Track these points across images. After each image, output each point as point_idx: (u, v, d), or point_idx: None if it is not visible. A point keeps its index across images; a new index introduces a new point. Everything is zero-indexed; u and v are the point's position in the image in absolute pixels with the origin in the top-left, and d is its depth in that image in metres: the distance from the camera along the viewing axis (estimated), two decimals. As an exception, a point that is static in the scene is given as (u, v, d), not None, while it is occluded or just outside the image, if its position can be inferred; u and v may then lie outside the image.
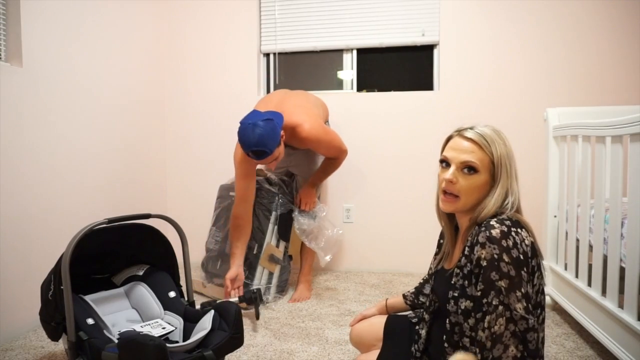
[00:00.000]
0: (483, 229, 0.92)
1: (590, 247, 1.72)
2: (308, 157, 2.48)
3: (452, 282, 0.99)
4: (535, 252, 0.93)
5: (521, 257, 0.89)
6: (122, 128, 2.62)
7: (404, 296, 1.36)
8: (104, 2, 2.44)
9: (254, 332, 1.93)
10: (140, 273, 1.70)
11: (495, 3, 2.73)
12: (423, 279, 1.34)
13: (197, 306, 1.61)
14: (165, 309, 1.61)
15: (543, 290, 0.96)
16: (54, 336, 1.45)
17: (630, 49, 2.62)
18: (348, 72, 3.02)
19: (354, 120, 2.90)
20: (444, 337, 1.00)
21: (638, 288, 1.34)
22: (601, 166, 1.62)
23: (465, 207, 1.00)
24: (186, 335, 1.49)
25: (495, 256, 0.88)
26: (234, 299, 2.03)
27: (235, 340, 1.34)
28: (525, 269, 0.89)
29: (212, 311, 1.43)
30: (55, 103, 2.10)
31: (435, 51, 2.89)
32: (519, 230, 0.92)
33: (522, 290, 0.88)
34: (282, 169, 2.56)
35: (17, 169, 1.90)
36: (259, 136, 1.92)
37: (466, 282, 0.95)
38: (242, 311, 1.72)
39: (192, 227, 3.06)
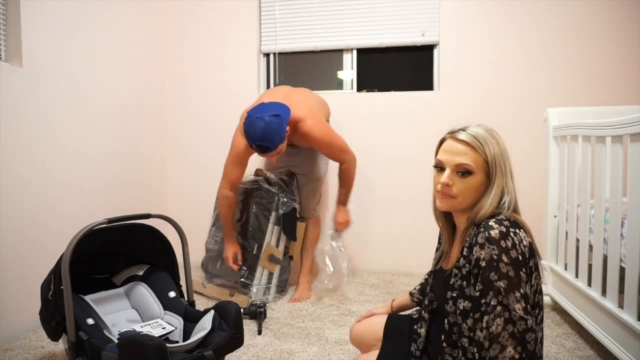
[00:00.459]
0: (482, 229, 0.92)
1: (590, 247, 1.72)
2: (309, 157, 2.47)
3: (451, 282, 0.99)
4: (533, 253, 0.93)
5: (520, 257, 0.89)
6: (122, 128, 2.62)
7: (411, 293, 1.36)
8: (104, 2, 2.44)
9: (254, 332, 1.94)
10: (140, 273, 1.70)
11: (495, 3, 2.73)
12: (427, 274, 1.34)
13: (197, 306, 1.61)
14: (165, 309, 1.61)
15: (541, 290, 0.96)
16: (54, 336, 1.45)
17: (630, 49, 2.62)
18: (348, 72, 3.02)
19: (354, 120, 2.89)
20: (442, 337, 1.00)
21: (638, 288, 1.34)
22: (601, 166, 1.62)
23: (461, 205, 1.00)
24: (186, 335, 1.49)
25: (495, 257, 0.88)
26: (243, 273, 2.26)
27: (235, 340, 1.34)
28: (524, 270, 0.89)
29: (212, 311, 1.43)
30: (55, 103, 2.10)
31: (435, 51, 2.89)
32: (517, 230, 0.92)
33: (521, 290, 0.88)
34: (283, 168, 2.56)
35: (17, 169, 1.90)
36: (265, 132, 1.94)
37: (464, 282, 0.95)
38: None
39: (192, 227, 3.05)
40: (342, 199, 2.41)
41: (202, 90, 3.06)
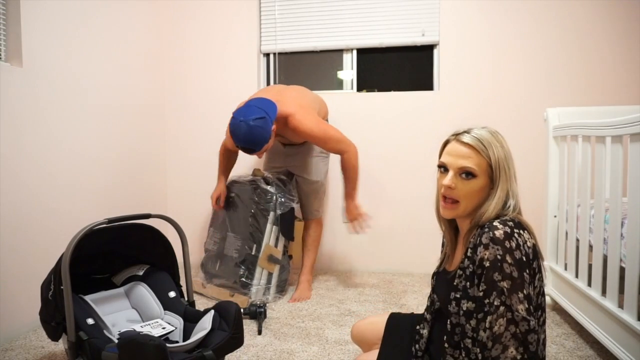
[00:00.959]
0: (486, 229, 0.92)
1: (590, 247, 1.72)
2: (307, 159, 2.47)
3: (455, 283, 0.99)
4: (536, 254, 0.93)
5: (524, 258, 0.89)
6: (122, 128, 2.62)
7: None
8: (104, 2, 2.44)
9: (254, 332, 1.94)
10: (140, 273, 1.70)
11: (495, 3, 2.73)
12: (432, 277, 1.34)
13: (197, 306, 1.61)
14: (165, 309, 1.61)
15: (543, 292, 0.96)
16: (54, 336, 1.45)
17: (630, 49, 2.62)
18: (348, 72, 3.02)
19: (354, 120, 2.89)
20: (444, 337, 1.00)
21: (638, 288, 1.34)
22: (601, 166, 1.62)
23: (465, 211, 1.00)
24: (186, 335, 1.49)
25: (499, 257, 0.88)
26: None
27: (235, 340, 1.34)
28: (527, 271, 0.89)
29: (212, 311, 1.43)
30: (55, 103, 2.10)
31: (435, 51, 2.89)
32: (521, 231, 0.92)
33: (524, 291, 0.88)
34: (281, 168, 2.56)
35: (17, 169, 1.90)
36: (249, 136, 2.00)
37: (468, 283, 0.95)
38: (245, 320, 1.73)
39: (192, 227, 3.06)
40: (349, 192, 2.36)
41: (202, 90, 3.06)
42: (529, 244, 0.92)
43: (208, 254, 2.52)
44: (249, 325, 1.99)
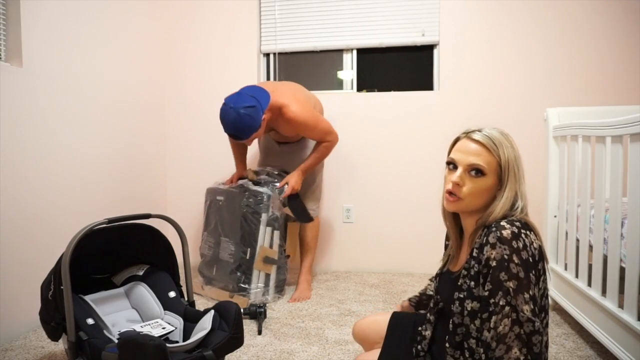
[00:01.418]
0: (493, 229, 0.91)
1: (590, 247, 1.72)
2: (302, 157, 2.47)
3: (459, 283, 0.99)
4: (542, 256, 0.93)
5: (530, 259, 0.89)
6: (122, 128, 2.62)
7: (409, 300, 1.36)
8: (104, 2, 2.44)
9: (254, 332, 1.94)
10: (140, 273, 1.70)
11: (495, 3, 2.73)
12: (430, 279, 1.34)
13: (197, 306, 1.61)
14: (165, 309, 1.61)
15: (547, 294, 0.96)
16: (54, 336, 1.45)
17: (630, 49, 2.62)
18: (348, 72, 3.02)
19: (354, 120, 2.90)
20: (446, 337, 1.00)
21: (638, 288, 1.34)
22: (601, 166, 1.62)
23: (468, 208, 1.00)
24: (186, 335, 1.49)
25: (505, 257, 0.88)
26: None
27: (235, 340, 1.34)
28: (533, 272, 0.89)
29: (212, 311, 1.43)
30: (55, 103, 2.10)
31: (435, 51, 2.89)
32: (528, 232, 0.92)
33: (530, 292, 0.88)
34: (276, 168, 2.56)
35: (17, 169, 1.90)
36: (237, 123, 2.04)
37: (473, 283, 0.95)
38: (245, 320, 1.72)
39: (192, 228, 3.06)
40: (306, 165, 2.36)
41: (202, 90, 3.06)
42: (535, 245, 0.92)
43: (204, 258, 2.50)
44: (249, 325, 1.99)
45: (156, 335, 1.45)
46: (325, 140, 2.33)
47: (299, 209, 2.38)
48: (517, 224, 0.92)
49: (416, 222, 2.86)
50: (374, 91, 2.98)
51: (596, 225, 1.64)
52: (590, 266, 1.71)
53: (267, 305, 2.23)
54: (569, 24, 2.67)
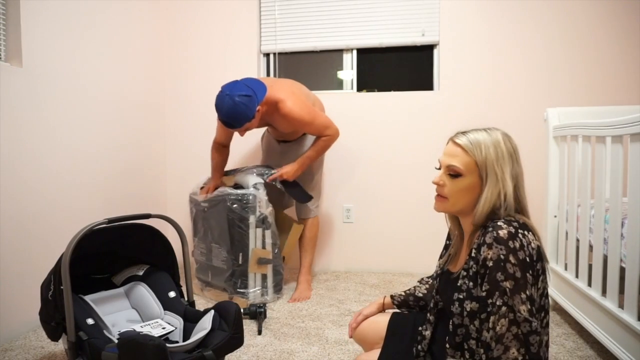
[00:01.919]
0: (490, 229, 0.92)
1: (590, 247, 1.72)
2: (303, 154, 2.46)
3: (459, 284, 0.99)
4: (540, 256, 0.93)
5: (527, 259, 0.89)
6: (122, 128, 2.62)
7: (392, 297, 1.36)
8: (104, 2, 2.44)
9: (254, 332, 1.94)
10: (140, 273, 1.70)
11: (495, 3, 2.73)
12: (419, 281, 1.35)
13: (197, 307, 1.61)
14: (165, 309, 1.61)
15: (547, 294, 0.96)
16: (54, 336, 1.45)
17: (630, 49, 2.62)
18: (348, 72, 3.02)
19: (354, 120, 2.90)
20: (446, 338, 1.00)
21: (638, 288, 1.34)
22: (601, 166, 1.62)
23: (454, 208, 1.02)
24: (186, 335, 1.49)
25: (502, 257, 0.88)
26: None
27: (235, 340, 1.34)
28: (530, 272, 0.89)
29: (212, 311, 1.43)
30: (55, 103, 2.10)
31: (435, 51, 2.89)
32: (525, 232, 0.92)
33: (527, 292, 0.88)
34: (277, 166, 2.56)
35: (17, 169, 1.90)
36: (231, 111, 2.05)
37: (472, 283, 0.95)
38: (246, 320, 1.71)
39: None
40: (304, 158, 2.34)
41: (202, 90, 3.06)
42: (533, 245, 0.92)
43: (199, 264, 2.48)
44: (249, 325, 1.99)
45: (156, 335, 1.45)
46: (325, 135, 2.32)
47: (295, 191, 2.37)
48: (515, 224, 0.93)
49: (416, 222, 2.86)
50: (374, 91, 2.98)
51: (596, 225, 1.64)
52: (590, 266, 1.71)
53: (267, 305, 2.23)
54: (569, 24, 2.67)
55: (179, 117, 3.11)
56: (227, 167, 2.61)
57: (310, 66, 3.09)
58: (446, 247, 1.18)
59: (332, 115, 2.78)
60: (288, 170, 2.31)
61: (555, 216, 2.13)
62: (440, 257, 1.19)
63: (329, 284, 2.65)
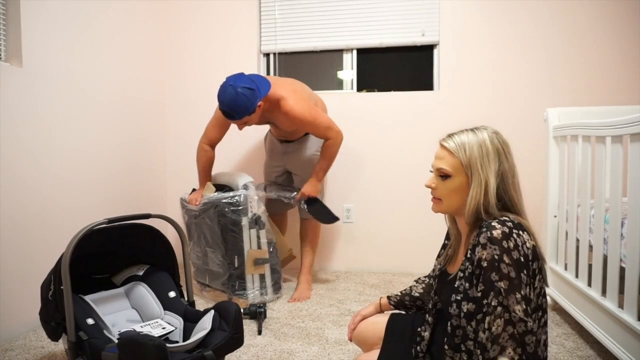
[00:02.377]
0: (484, 230, 0.92)
1: (590, 247, 1.72)
2: (304, 157, 2.46)
3: (456, 285, 0.99)
4: (536, 255, 0.93)
5: (522, 259, 0.89)
6: (122, 128, 2.62)
7: (388, 297, 1.37)
8: (104, 3, 2.44)
9: (254, 332, 1.94)
10: (140, 273, 1.70)
11: (495, 3, 2.73)
12: (416, 280, 1.35)
13: (197, 307, 1.61)
14: (165, 309, 1.61)
15: (544, 293, 0.96)
16: (54, 336, 1.45)
17: (630, 49, 2.62)
18: (348, 72, 3.02)
19: (354, 120, 2.90)
20: (445, 339, 1.00)
21: (638, 288, 1.34)
22: (601, 166, 1.62)
23: (449, 209, 1.05)
24: (186, 335, 1.49)
25: (496, 257, 0.89)
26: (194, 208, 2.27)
27: (235, 340, 1.34)
28: (525, 272, 0.89)
29: (212, 311, 1.43)
30: (55, 103, 2.10)
31: (435, 51, 2.89)
32: (520, 232, 0.92)
33: (522, 292, 0.88)
34: (279, 167, 2.56)
35: (16, 169, 1.90)
36: (232, 101, 2.06)
37: (467, 284, 0.95)
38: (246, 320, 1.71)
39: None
40: (317, 170, 2.37)
41: (202, 90, 3.06)
42: (528, 244, 0.92)
43: (196, 267, 2.46)
44: (249, 325, 1.99)
45: (156, 335, 1.45)
46: (328, 137, 2.31)
47: (319, 211, 2.40)
48: (509, 223, 0.93)
49: (416, 222, 2.86)
50: (374, 91, 2.98)
51: (596, 225, 1.64)
52: (590, 266, 1.71)
53: (266, 305, 2.22)
54: (569, 24, 2.67)
55: (179, 117, 3.11)
56: (227, 168, 2.61)
57: (310, 66, 3.09)
58: (444, 247, 1.19)
59: (333, 115, 2.78)
60: (310, 189, 2.35)
61: (555, 216, 2.13)
62: (438, 256, 1.19)
63: (329, 284, 2.66)
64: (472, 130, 1.03)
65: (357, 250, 2.95)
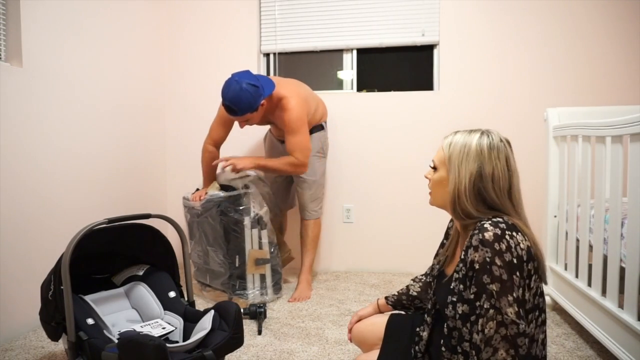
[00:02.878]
0: (477, 232, 0.92)
1: (590, 247, 1.72)
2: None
3: (451, 287, 0.99)
4: (531, 256, 0.93)
5: (515, 261, 0.89)
6: (122, 128, 2.62)
7: (386, 298, 1.37)
8: (104, 2, 2.44)
9: (254, 332, 1.94)
10: (140, 273, 1.70)
11: (495, 3, 2.73)
12: (413, 279, 1.36)
13: (197, 307, 1.61)
14: (165, 309, 1.61)
15: (542, 292, 0.96)
16: (54, 336, 1.45)
17: (630, 48, 2.62)
18: (348, 72, 3.02)
19: (354, 120, 2.90)
20: (442, 341, 1.00)
21: (638, 288, 1.34)
22: (601, 166, 1.62)
23: (435, 200, 1.09)
24: (186, 335, 1.49)
25: (488, 259, 0.89)
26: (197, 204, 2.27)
27: (235, 340, 1.34)
28: (518, 273, 0.89)
29: (212, 311, 1.43)
30: (55, 103, 2.10)
31: (435, 51, 2.89)
32: (514, 233, 0.92)
33: (514, 294, 0.88)
34: None
35: (17, 169, 1.90)
36: (236, 96, 2.07)
37: (462, 286, 0.95)
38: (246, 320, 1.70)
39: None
40: (262, 158, 2.30)
41: (202, 90, 3.06)
42: (522, 245, 0.91)
43: (197, 267, 2.46)
44: (249, 325, 1.99)
45: (156, 335, 1.45)
46: (293, 155, 2.23)
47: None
48: (502, 225, 0.92)
49: (416, 222, 2.86)
50: (374, 91, 2.98)
51: (596, 225, 1.64)
52: (590, 266, 1.71)
53: (266, 305, 2.22)
54: (569, 23, 2.67)
55: (179, 117, 3.11)
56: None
57: (310, 66, 3.09)
58: (442, 246, 1.19)
59: (332, 115, 2.79)
60: (243, 162, 2.21)
61: (555, 216, 2.13)
62: (436, 255, 1.19)
63: (329, 283, 2.66)
64: (470, 131, 1.04)
65: (357, 250, 2.95)
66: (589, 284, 1.72)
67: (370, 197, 2.91)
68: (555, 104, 2.64)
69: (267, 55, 3.09)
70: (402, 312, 1.34)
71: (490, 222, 0.93)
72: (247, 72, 2.16)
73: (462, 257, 0.96)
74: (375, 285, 2.62)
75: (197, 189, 2.45)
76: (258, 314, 1.99)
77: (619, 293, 1.49)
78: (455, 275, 0.99)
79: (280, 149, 2.55)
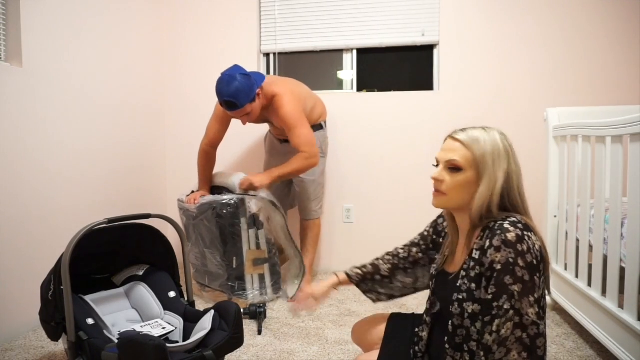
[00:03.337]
0: (498, 232, 0.91)
1: (590, 247, 1.72)
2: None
3: (458, 284, 0.98)
4: (543, 257, 0.93)
5: (534, 262, 0.89)
6: (122, 128, 2.62)
7: (349, 276, 1.38)
8: (104, 3, 2.44)
9: (254, 332, 1.94)
10: (140, 273, 1.70)
11: (495, 3, 2.73)
12: (380, 258, 1.36)
13: (197, 307, 1.61)
14: (165, 309, 1.61)
15: (545, 295, 0.96)
16: (54, 336, 1.45)
17: (630, 49, 2.62)
18: (348, 72, 3.02)
19: (354, 120, 2.89)
20: (446, 338, 0.99)
21: (638, 288, 1.34)
22: (601, 166, 1.62)
23: (452, 203, 1.01)
24: (186, 335, 1.49)
25: (511, 260, 0.88)
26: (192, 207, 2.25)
27: (235, 340, 1.34)
28: (537, 275, 0.89)
29: (212, 311, 1.43)
30: (55, 103, 2.10)
31: (435, 51, 2.89)
32: (530, 234, 0.92)
33: (535, 295, 0.88)
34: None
35: (17, 169, 1.90)
36: (232, 88, 2.05)
37: (474, 285, 0.94)
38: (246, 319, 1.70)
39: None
40: (275, 169, 2.24)
41: (202, 90, 3.06)
42: (537, 246, 0.91)
43: (195, 269, 2.45)
44: (249, 325, 1.99)
45: (156, 335, 1.45)
46: (301, 150, 2.21)
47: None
48: (520, 226, 0.92)
49: (416, 222, 2.84)
50: (374, 91, 2.98)
51: (596, 225, 1.64)
52: (590, 266, 1.71)
53: (266, 305, 2.22)
54: (569, 23, 2.67)
55: (179, 117, 3.11)
56: (226, 168, 2.60)
57: (310, 66, 3.09)
58: (425, 237, 1.26)
59: (332, 115, 2.78)
60: (259, 179, 2.18)
61: (555, 216, 2.13)
62: (416, 245, 1.27)
63: (329, 284, 2.65)
64: (482, 128, 1.01)
65: (357, 250, 2.94)
66: (589, 284, 1.72)
67: (370, 197, 2.91)
68: (555, 104, 2.64)
69: (267, 55, 3.09)
70: (403, 313, 1.34)
71: (508, 222, 0.92)
72: (236, 66, 2.15)
73: (474, 255, 0.95)
74: (375, 285, 2.62)
75: (192, 191, 2.43)
76: (258, 314, 1.99)
77: (619, 293, 1.49)
78: (463, 274, 0.98)
79: (280, 148, 2.55)
